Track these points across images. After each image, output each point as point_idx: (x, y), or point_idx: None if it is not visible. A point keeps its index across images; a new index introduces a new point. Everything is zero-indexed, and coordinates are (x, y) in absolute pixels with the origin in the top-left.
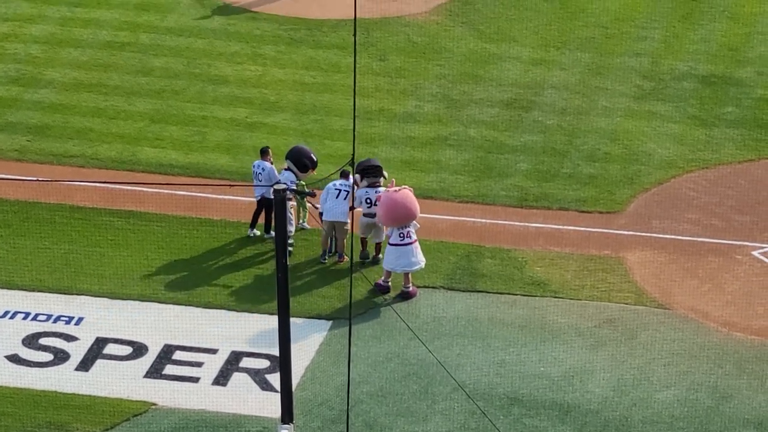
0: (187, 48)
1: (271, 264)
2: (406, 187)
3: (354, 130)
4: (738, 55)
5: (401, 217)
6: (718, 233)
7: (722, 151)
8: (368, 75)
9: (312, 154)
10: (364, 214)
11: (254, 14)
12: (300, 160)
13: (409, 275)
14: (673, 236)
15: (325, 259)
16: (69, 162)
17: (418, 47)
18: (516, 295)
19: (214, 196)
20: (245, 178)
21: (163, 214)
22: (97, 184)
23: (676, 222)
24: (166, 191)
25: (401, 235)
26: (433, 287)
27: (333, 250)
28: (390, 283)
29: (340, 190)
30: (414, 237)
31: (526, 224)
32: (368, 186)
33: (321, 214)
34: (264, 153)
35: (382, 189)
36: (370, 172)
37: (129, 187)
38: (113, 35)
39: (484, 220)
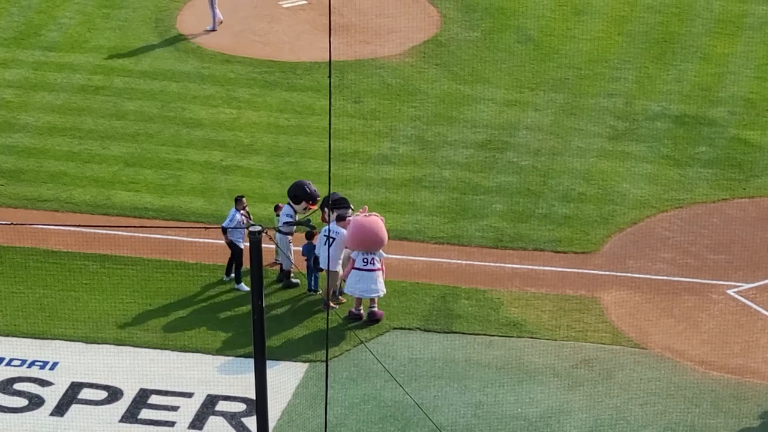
0: (161, 91)
1: (247, 307)
2: (375, 214)
3: (329, 172)
4: (710, 95)
5: (368, 242)
6: (692, 272)
7: (696, 191)
8: (343, 117)
9: (306, 187)
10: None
11: (228, 57)
12: (293, 192)
13: (368, 300)
14: (648, 276)
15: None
16: (43, 206)
17: (392, 89)
18: (492, 335)
19: (189, 239)
20: (220, 221)
21: (138, 257)
22: (72, 228)
23: (651, 261)
24: (140, 235)
25: (365, 260)
26: (409, 329)
27: (312, 288)
28: (362, 311)
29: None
30: (378, 265)
31: (502, 265)
32: (337, 219)
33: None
34: (236, 201)
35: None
36: (340, 204)
37: (103, 231)
38: (87, 79)
39: (459, 261)
